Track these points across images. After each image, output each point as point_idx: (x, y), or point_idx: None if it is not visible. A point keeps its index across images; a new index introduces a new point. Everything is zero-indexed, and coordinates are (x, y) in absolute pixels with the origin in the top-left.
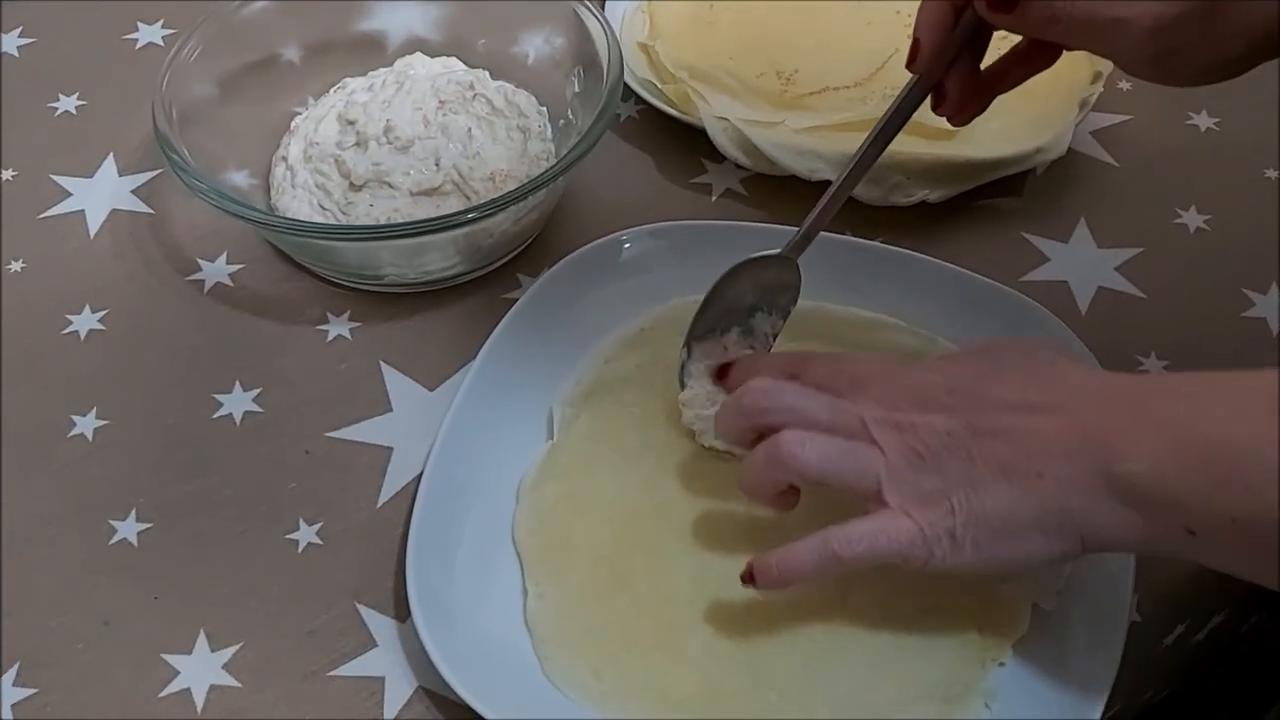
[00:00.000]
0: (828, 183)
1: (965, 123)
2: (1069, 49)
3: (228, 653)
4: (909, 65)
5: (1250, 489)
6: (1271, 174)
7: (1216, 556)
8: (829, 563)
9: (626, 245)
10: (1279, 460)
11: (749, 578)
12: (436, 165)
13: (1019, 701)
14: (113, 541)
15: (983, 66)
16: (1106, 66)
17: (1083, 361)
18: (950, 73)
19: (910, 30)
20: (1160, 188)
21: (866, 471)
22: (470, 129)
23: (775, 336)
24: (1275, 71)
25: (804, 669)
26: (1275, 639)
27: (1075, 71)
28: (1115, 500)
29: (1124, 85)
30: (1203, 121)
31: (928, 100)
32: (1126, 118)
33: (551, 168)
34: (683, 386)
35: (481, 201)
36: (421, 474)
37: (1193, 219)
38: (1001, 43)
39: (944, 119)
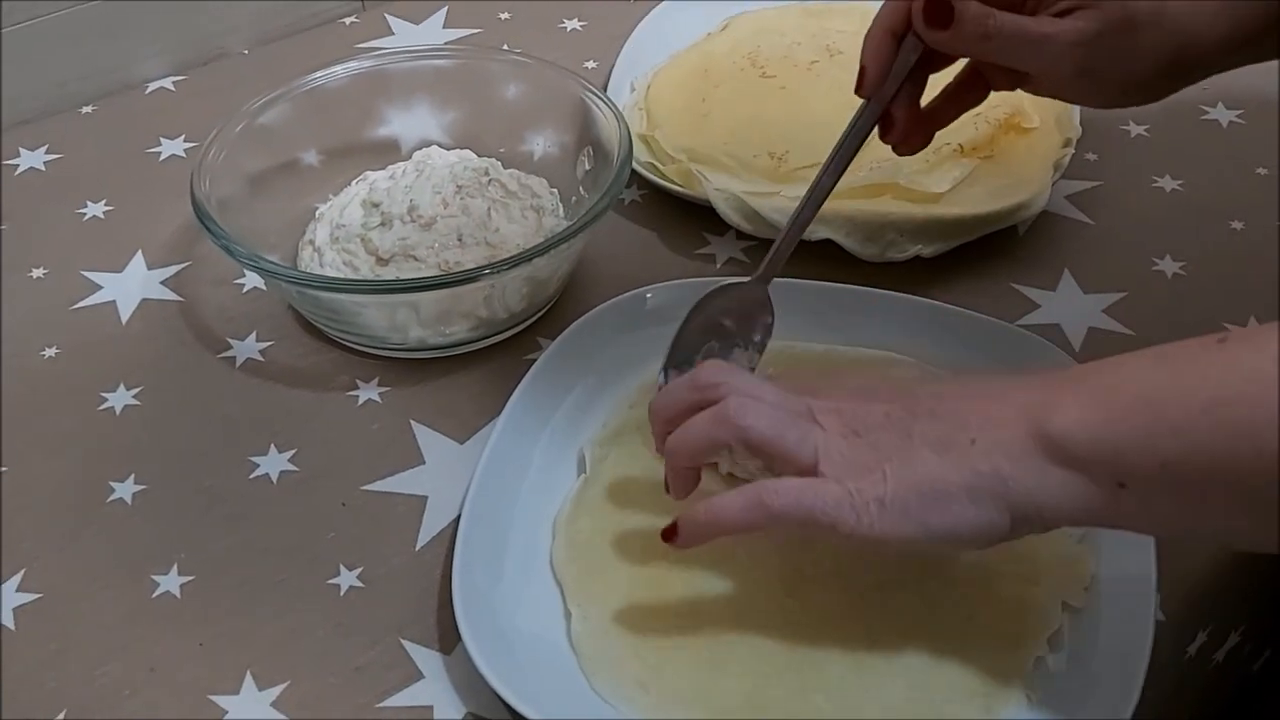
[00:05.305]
0: (828, 240)
1: (911, 152)
2: (998, 79)
3: (275, 691)
4: (858, 90)
5: (1177, 431)
6: (1237, 225)
7: (1147, 511)
8: (755, 510)
9: (649, 297)
10: (1200, 401)
11: (670, 533)
12: (459, 240)
13: (1059, 692)
14: (155, 595)
15: (923, 104)
16: (1075, 133)
17: None
18: (895, 102)
19: None
20: (1135, 240)
21: (805, 442)
22: (489, 209)
23: (753, 370)
24: (1229, 138)
25: (850, 673)
26: None
27: (1047, 140)
28: (1046, 460)
29: (1091, 156)
30: (1167, 184)
31: (911, 165)
32: (1097, 183)
33: (567, 227)
34: None
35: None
36: (459, 516)
37: (1169, 266)
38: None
39: (922, 186)
